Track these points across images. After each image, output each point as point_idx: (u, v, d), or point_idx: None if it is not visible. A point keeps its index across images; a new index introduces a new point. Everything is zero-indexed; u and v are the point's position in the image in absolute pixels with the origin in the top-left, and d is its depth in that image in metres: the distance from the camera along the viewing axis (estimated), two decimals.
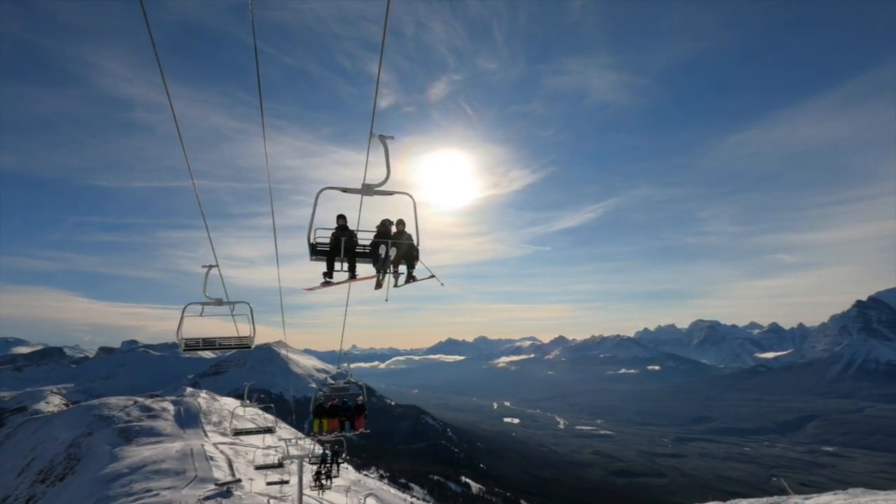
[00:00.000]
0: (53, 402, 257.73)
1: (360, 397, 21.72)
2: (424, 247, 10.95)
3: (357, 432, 19.15)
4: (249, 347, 16.66)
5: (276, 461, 39.37)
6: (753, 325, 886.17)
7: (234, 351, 20.15)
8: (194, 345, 16.04)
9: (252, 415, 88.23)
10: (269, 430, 39.48)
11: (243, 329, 16.18)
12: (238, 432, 39.01)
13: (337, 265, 11.06)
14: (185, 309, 14.85)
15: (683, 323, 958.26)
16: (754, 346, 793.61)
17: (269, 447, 55.95)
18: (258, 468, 39.32)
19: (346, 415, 19.76)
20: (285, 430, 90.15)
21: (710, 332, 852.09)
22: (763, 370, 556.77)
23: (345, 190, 9.43)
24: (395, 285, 11.49)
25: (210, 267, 14.38)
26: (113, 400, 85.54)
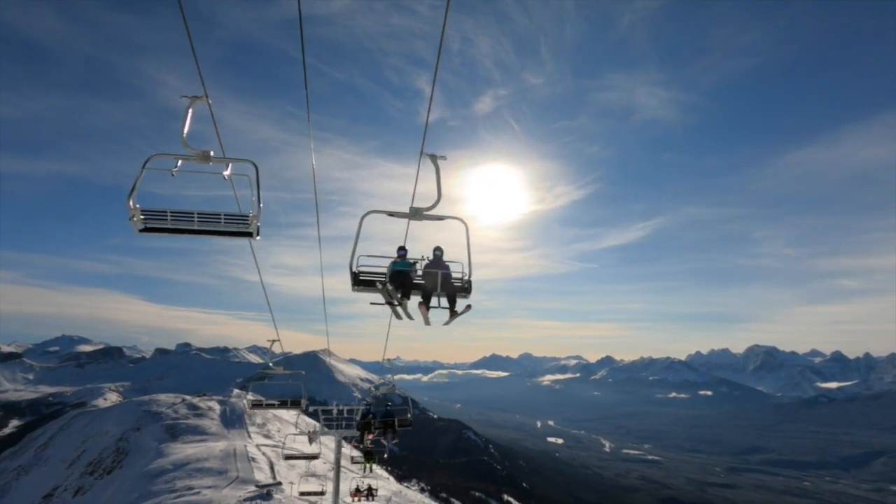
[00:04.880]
0: (111, 399, 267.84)
1: (408, 414, 21.46)
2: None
3: (394, 441, 18.30)
4: (251, 234, 8.53)
5: (307, 441, 36.35)
6: (814, 353, 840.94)
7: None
8: (158, 219, 7.92)
9: (295, 420, 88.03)
10: (314, 457, 35.91)
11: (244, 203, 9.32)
12: (288, 457, 37.07)
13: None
14: (147, 161, 7.59)
15: (737, 347, 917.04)
16: (815, 374, 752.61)
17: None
18: (287, 458, 37.17)
19: (383, 426, 18.48)
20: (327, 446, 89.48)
21: (767, 359, 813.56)
22: (825, 401, 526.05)
23: (391, 214, 8.75)
24: (444, 323, 9.94)
25: (195, 98, 7.97)
26: (162, 397, 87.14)
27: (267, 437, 74.28)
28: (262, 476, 52.16)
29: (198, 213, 7.08)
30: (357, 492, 30.71)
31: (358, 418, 14.11)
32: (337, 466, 26.59)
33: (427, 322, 9.82)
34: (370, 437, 16.57)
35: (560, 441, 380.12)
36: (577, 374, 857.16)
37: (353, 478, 30.78)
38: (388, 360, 26.08)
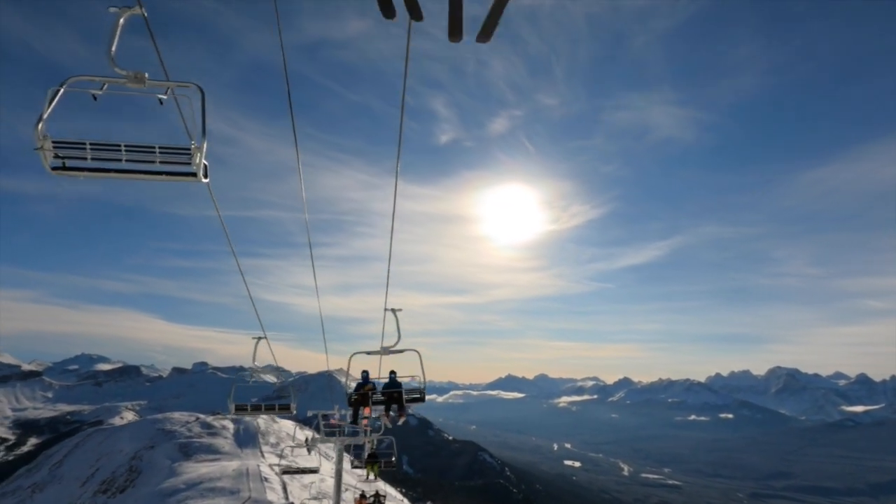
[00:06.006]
0: (127, 418, 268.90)
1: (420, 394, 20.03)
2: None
3: (400, 417, 15.78)
4: (194, 175, 16.61)
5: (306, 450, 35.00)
6: (839, 375, 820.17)
7: (284, 405, 20.62)
8: (75, 151, 15.39)
9: (293, 431, 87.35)
10: (314, 471, 34.91)
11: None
12: (286, 471, 36.35)
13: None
14: (63, 84, 13.54)
15: (759, 369, 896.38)
16: (840, 397, 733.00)
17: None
18: (284, 472, 36.18)
19: (385, 401, 15.75)
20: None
21: (790, 381, 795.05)
22: (851, 425, 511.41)
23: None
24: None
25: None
26: (176, 415, 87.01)
27: (280, 456, 73.59)
28: (275, 496, 51.48)
29: (125, 146, 5.61)
30: (362, 498, 27.75)
31: (351, 389, 14.34)
32: (338, 477, 25.55)
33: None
34: (367, 411, 14.68)
35: (577, 464, 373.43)
36: (595, 396, 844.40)
37: (358, 480, 28.99)
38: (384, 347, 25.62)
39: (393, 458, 27.21)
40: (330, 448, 73.85)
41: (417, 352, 13.86)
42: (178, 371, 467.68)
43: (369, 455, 26.73)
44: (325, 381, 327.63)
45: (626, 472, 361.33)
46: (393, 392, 14.75)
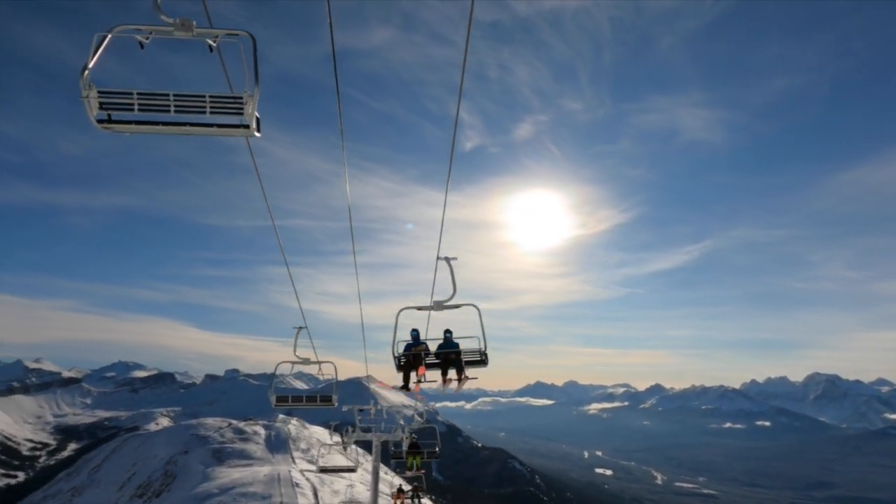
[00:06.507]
0: (162, 424, 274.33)
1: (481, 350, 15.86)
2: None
3: (461, 383, 12.91)
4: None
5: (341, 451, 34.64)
6: (882, 382, 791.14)
7: (326, 396, 19.89)
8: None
9: (338, 448, 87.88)
10: (352, 470, 34.99)
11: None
12: (324, 469, 36.43)
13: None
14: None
15: (796, 375, 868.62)
16: (883, 405, 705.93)
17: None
18: (322, 471, 35.81)
19: (441, 363, 12.90)
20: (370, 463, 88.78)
21: (829, 387, 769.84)
22: (895, 433, 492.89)
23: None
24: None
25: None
26: (209, 421, 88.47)
27: (311, 462, 74.14)
28: (306, 502, 51.80)
29: (174, 94, 5.34)
30: (400, 492, 26.65)
31: (399, 351, 11.94)
32: (375, 475, 25.29)
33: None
34: (421, 372, 12.36)
35: (609, 472, 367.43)
36: (626, 403, 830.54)
37: (395, 466, 27.98)
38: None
39: (437, 449, 25.95)
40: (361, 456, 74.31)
41: (476, 307, 11.36)
42: (210, 378, 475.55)
43: (410, 445, 25.11)
44: (353, 388, 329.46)
45: (659, 481, 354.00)
46: (450, 353, 12.39)
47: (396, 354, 11.98)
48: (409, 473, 25.48)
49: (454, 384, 12.73)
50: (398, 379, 12.51)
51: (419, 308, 11.28)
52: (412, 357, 12.44)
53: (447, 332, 12.57)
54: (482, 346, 11.91)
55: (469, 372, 12.24)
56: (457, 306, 11.12)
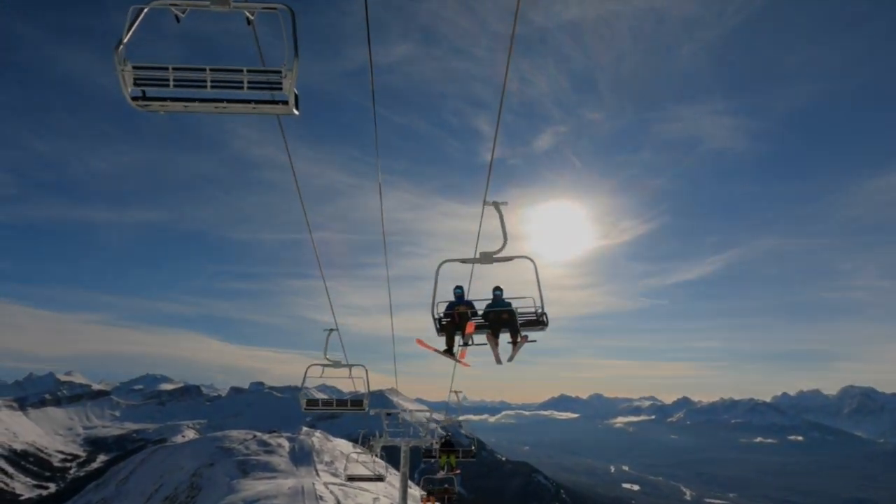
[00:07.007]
0: (188, 436, 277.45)
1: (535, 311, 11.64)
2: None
3: (516, 346, 10.30)
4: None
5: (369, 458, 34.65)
6: None
7: (357, 400, 19.43)
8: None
9: (364, 460, 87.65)
10: (380, 478, 35.23)
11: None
12: (352, 478, 36.48)
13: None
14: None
15: (829, 388, 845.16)
16: None
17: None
18: (350, 479, 35.36)
19: (491, 324, 10.47)
20: (395, 476, 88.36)
21: (865, 401, 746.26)
22: None
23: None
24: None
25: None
26: (234, 433, 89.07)
27: (335, 475, 73.98)
28: None
29: (210, 69, 5.09)
30: (430, 495, 25.85)
31: (441, 312, 9.94)
32: (404, 480, 24.88)
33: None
34: (470, 329, 9.93)
35: (636, 487, 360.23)
36: (652, 416, 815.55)
37: (424, 471, 27.60)
38: (455, 392, 24.75)
39: (473, 448, 25.15)
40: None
41: (532, 259, 9.44)
42: (235, 390, 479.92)
43: (444, 443, 24.21)
44: (377, 401, 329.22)
45: (688, 497, 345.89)
46: (502, 312, 10.03)
47: (437, 315, 9.94)
48: (441, 474, 24.62)
49: (506, 351, 10.52)
50: (439, 342, 10.34)
51: (463, 261, 9.52)
52: (457, 316, 10.11)
53: (497, 289, 10.32)
54: (539, 306, 9.84)
55: (526, 333, 10.15)
56: (509, 258, 9.33)
